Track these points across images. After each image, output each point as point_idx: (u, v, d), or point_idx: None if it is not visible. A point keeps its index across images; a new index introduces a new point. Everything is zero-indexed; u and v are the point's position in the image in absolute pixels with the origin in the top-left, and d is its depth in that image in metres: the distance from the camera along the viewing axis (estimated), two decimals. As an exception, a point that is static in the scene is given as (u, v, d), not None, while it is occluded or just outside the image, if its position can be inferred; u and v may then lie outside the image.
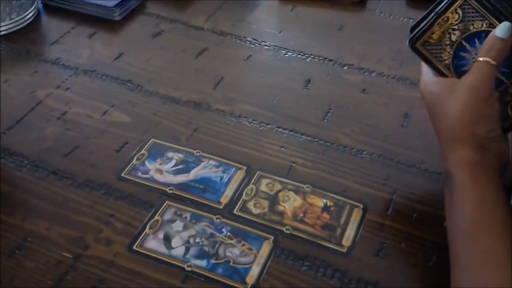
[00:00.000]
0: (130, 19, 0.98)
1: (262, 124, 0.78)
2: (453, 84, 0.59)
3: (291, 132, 0.76)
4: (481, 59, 0.58)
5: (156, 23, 0.97)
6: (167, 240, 0.63)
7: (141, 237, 0.63)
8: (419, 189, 0.69)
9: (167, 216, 0.65)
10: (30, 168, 0.71)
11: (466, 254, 0.54)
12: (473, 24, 0.60)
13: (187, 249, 0.62)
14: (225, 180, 0.69)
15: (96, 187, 0.69)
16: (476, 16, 0.60)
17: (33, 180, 0.70)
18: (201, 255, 0.61)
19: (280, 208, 0.66)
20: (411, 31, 0.63)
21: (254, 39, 0.93)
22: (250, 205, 0.67)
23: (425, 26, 0.61)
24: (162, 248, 0.62)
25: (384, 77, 0.86)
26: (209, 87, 0.84)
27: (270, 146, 0.74)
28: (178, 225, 0.64)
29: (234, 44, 0.93)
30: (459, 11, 0.60)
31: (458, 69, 0.61)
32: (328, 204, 0.67)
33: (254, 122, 0.78)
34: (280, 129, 0.77)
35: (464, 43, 0.60)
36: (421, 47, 0.62)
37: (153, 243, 0.63)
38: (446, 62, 0.61)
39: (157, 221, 0.65)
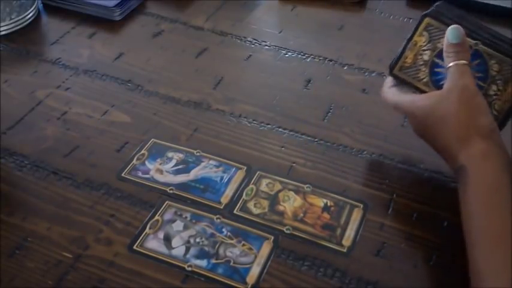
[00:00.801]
0: (130, 19, 0.98)
1: (262, 124, 0.78)
2: (440, 93, 0.63)
3: (291, 132, 0.76)
4: (451, 64, 0.62)
5: (156, 23, 0.97)
6: (167, 240, 0.63)
7: (141, 237, 0.63)
8: (419, 189, 0.69)
9: (167, 216, 0.65)
10: (30, 168, 0.71)
11: (483, 236, 0.55)
12: (439, 42, 0.65)
13: (187, 249, 0.62)
14: (225, 180, 0.69)
15: (96, 187, 0.69)
16: (441, 34, 0.64)
17: (33, 180, 0.70)
18: (201, 255, 0.61)
19: (281, 208, 0.66)
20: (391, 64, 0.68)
21: (254, 39, 0.93)
22: (251, 205, 0.67)
23: (399, 54, 0.67)
24: (162, 248, 0.62)
25: (384, 77, 0.85)
26: (209, 87, 0.84)
27: (270, 146, 0.74)
28: (178, 225, 0.64)
29: (234, 44, 0.93)
30: (425, 33, 0.65)
31: (436, 84, 0.65)
32: (328, 204, 0.67)
33: (254, 122, 0.78)
34: (280, 129, 0.77)
35: (436, 60, 0.65)
36: (399, 72, 0.67)
37: (153, 243, 0.63)
38: (425, 80, 0.65)
39: (157, 221, 0.65)
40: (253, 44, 0.93)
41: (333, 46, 0.92)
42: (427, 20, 0.65)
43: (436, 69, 0.65)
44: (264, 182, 0.69)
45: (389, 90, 0.69)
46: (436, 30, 0.65)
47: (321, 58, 0.89)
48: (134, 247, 0.62)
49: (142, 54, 0.90)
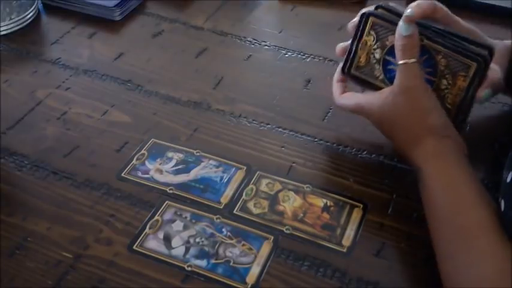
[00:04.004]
0: (130, 19, 0.98)
1: (262, 124, 0.78)
2: (390, 91, 0.64)
3: (291, 132, 0.76)
4: (400, 62, 0.63)
5: (156, 23, 0.97)
6: (167, 240, 0.63)
7: (141, 237, 0.63)
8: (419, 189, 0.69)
9: (167, 216, 0.65)
10: (30, 168, 0.71)
11: (444, 236, 0.56)
12: (387, 40, 0.67)
13: (187, 249, 0.62)
14: (225, 180, 0.69)
15: (96, 187, 0.69)
16: (387, 32, 0.66)
17: (33, 180, 0.70)
18: (201, 255, 0.62)
19: (280, 208, 0.66)
20: (343, 67, 0.70)
21: (254, 39, 0.93)
22: (250, 205, 0.67)
23: (352, 54, 0.69)
24: (162, 248, 0.62)
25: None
26: (209, 87, 0.84)
27: (270, 146, 0.74)
28: (178, 225, 0.64)
29: (234, 44, 0.93)
30: (372, 32, 0.67)
31: (391, 80, 0.65)
32: (328, 204, 0.67)
33: (254, 122, 0.78)
34: (280, 129, 0.77)
35: (387, 57, 0.67)
36: (356, 72, 0.69)
37: (153, 243, 0.63)
38: (380, 77, 0.68)
39: (157, 221, 0.65)
40: (253, 44, 0.93)
41: (333, 46, 0.91)
42: (371, 19, 0.67)
43: (389, 67, 0.66)
44: (264, 182, 0.69)
45: (343, 97, 0.70)
46: (381, 28, 0.66)
47: (320, 58, 0.89)
48: (134, 247, 0.62)
49: (142, 54, 0.90)
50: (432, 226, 0.58)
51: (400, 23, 0.63)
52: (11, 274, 0.60)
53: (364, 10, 0.68)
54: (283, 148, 0.74)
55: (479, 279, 0.51)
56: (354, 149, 0.74)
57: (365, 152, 0.73)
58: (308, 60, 0.89)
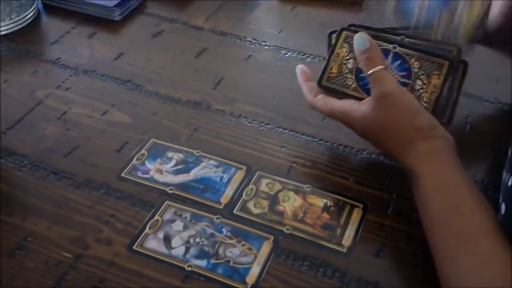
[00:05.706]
0: (130, 19, 0.98)
1: (262, 124, 0.78)
2: (370, 102, 0.63)
3: (291, 132, 0.76)
4: (369, 72, 0.63)
5: (156, 23, 0.97)
6: (167, 240, 0.63)
7: (141, 237, 0.63)
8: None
9: (167, 216, 0.65)
10: (30, 168, 0.71)
11: (443, 240, 0.56)
12: None
13: (187, 249, 0.62)
14: (225, 180, 0.69)
15: (96, 187, 0.69)
16: None
17: (33, 180, 0.70)
18: (201, 255, 0.62)
19: (280, 208, 0.66)
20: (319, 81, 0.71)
21: (254, 39, 0.93)
22: (250, 205, 0.67)
23: (324, 67, 0.71)
24: (162, 248, 0.62)
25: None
26: (209, 87, 0.84)
27: (270, 146, 0.74)
28: (178, 225, 0.64)
29: (234, 44, 0.93)
30: (345, 45, 0.70)
31: (364, 88, 0.67)
32: (328, 204, 0.67)
33: (254, 122, 0.78)
34: (280, 129, 0.77)
35: (359, 66, 0.67)
36: (327, 83, 0.70)
37: (153, 243, 0.63)
38: (353, 86, 0.69)
39: (157, 221, 0.65)
40: (253, 44, 0.93)
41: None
42: (344, 33, 0.70)
43: (361, 75, 0.67)
44: (264, 182, 0.69)
45: (317, 100, 0.69)
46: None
47: (320, 58, 0.89)
48: (134, 247, 0.62)
49: (142, 54, 0.90)
50: (428, 229, 0.58)
51: (355, 39, 0.65)
52: (11, 274, 0.60)
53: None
54: (283, 148, 0.74)
55: (481, 283, 0.51)
56: (354, 149, 0.74)
57: (365, 152, 0.73)
58: (308, 60, 0.89)
